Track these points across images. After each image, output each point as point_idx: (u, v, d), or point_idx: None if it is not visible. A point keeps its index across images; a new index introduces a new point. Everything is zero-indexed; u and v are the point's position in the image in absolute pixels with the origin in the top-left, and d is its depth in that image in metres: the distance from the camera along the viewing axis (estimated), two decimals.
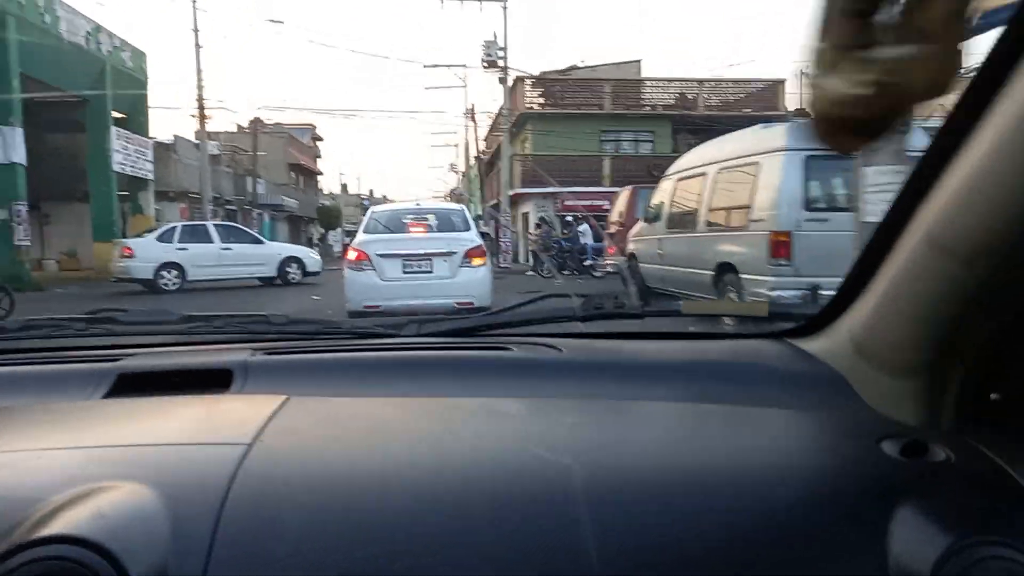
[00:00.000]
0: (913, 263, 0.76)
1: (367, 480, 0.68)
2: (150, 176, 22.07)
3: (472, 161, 35.64)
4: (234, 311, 1.30)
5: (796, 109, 8.22)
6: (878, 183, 4.54)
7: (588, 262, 17.77)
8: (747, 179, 7.27)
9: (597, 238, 18.05)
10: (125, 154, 20.41)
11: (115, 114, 20.38)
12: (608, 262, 15.61)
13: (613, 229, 14.90)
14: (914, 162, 0.75)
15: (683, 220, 8.78)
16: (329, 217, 49.99)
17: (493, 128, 33.06)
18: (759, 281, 6.85)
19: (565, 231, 20.51)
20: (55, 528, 0.54)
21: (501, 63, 24.56)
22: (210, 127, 25.33)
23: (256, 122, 32.69)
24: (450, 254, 7.47)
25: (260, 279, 16.64)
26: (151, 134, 22.82)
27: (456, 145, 48.80)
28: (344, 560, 0.58)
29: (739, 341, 1.21)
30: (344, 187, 71.13)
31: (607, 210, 19.05)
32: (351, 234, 26.58)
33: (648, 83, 28.12)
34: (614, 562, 0.60)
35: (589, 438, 0.81)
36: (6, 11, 15.58)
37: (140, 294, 14.78)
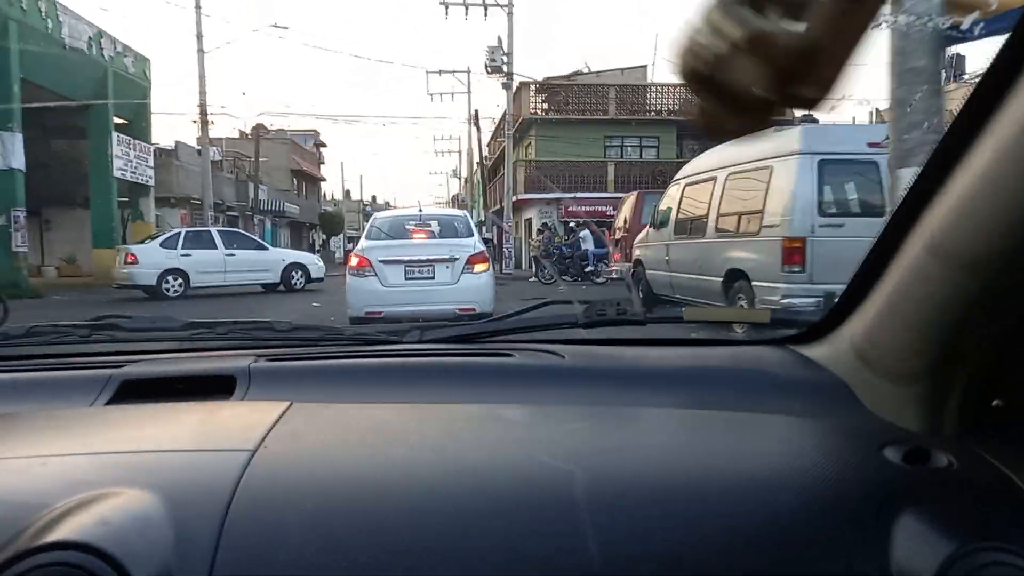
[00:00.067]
0: (916, 269, 0.76)
1: (371, 486, 0.68)
2: (151, 182, 21.94)
3: (475, 167, 35.55)
4: (230, 319, 1.29)
5: (803, 115, 8.04)
6: None
7: (589, 268, 17.59)
8: (759, 184, 7.12)
9: (598, 244, 17.89)
10: (126, 160, 20.28)
11: (117, 120, 20.27)
12: (613, 268, 15.46)
13: (618, 235, 14.76)
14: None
15: (692, 226, 8.65)
16: (331, 223, 49.98)
17: (496, 134, 32.99)
18: (771, 288, 6.70)
19: (568, 237, 20.34)
20: (60, 534, 0.55)
21: (505, 68, 24.44)
22: (212, 133, 25.19)
23: (258, 128, 32.61)
24: (452, 260, 7.44)
25: (264, 285, 16.53)
26: (153, 140, 22.70)
27: (459, 151, 48.75)
28: (348, 565, 0.58)
29: (741, 347, 1.21)
30: (347, 193, 71.19)
31: (611, 216, 18.92)
32: (353, 240, 26.40)
33: (653, 88, 27.96)
34: (617, 568, 0.60)
35: (592, 444, 0.81)
36: (7, 16, 15.49)
37: (141, 300, 14.63)
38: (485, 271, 7.60)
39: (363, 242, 7.90)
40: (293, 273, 16.86)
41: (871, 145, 6.55)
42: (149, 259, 15.17)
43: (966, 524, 0.63)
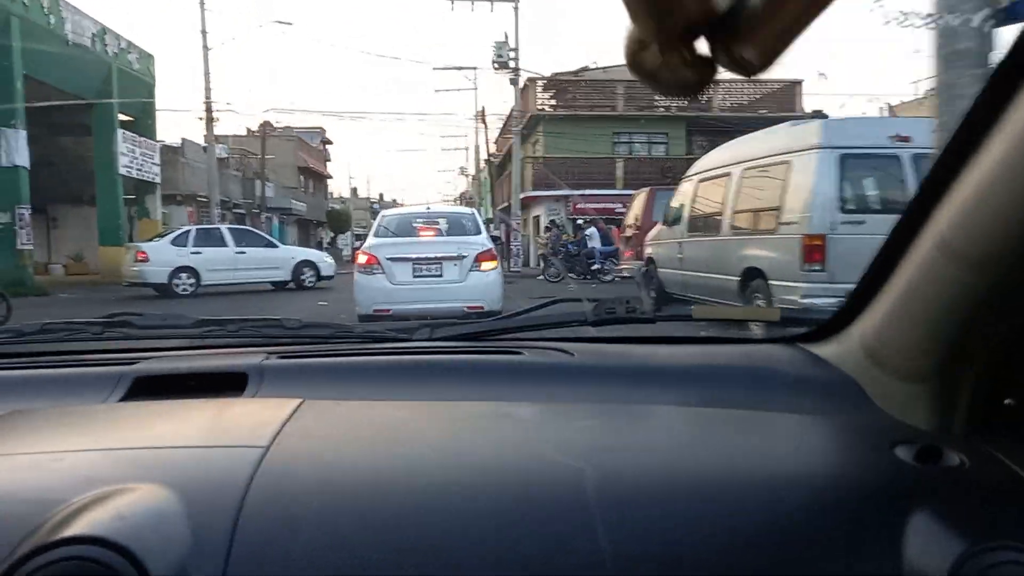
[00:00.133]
0: (926, 268, 0.77)
1: (382, 483, 0.68)
2: (157, 179, 21.85)
3: (482, 164, 35.37)
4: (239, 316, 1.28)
5: (814, 111, 7.92)
6: None
7: (596, 266, 17.32)
8: (777, 179, 6.90)
9: (605, 241, 17.63)
10: (132, 157, 20.18)
11: (122, 117, 20.18)
12: (623, 266, 15.25)
13: (629, 233, 14.55)
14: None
15: (706, 223, 8.44)
16: (339, 221, 49.94)
17: (504, 130, 32.81)
18: (790, 288, 6.49)
19: (576, 235, 20.11)
20: (76, 529, 0.55)
21: (512, 64, 24.24)
22: (218, 130, 25.10)
23: (265, 125, 32.49)
24: (460, 258, 7.39)
25: (274, 283, 16.43)
26: (159, 137, 22.60)
27: (466, 148, 48.62)
28: (360, 562, 0.59)
29: (751, 345, 1.21)
30: (354, 191, 71.13)
31: (620, 213, 18.72)
32: (361, 238, 26.36)
33: None
34: (627, 566, 0.60)
35: (602, 442, 0.81)
36: (10, 12, 15.38)
37: (148, 298, 14.50)
38: (493, 269, 7.55)
39: (371, 239, 7.87)
40: (304, 271, 16.77)
41: (893, 139, 6.34)
42: (160, 257, 15.07)
43: (978, 523, 0.62)
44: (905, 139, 6.31)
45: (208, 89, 22.94)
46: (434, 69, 28.84)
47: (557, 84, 27.91)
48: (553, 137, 26.87)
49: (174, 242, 15.54)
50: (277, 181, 35.89)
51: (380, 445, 0.77)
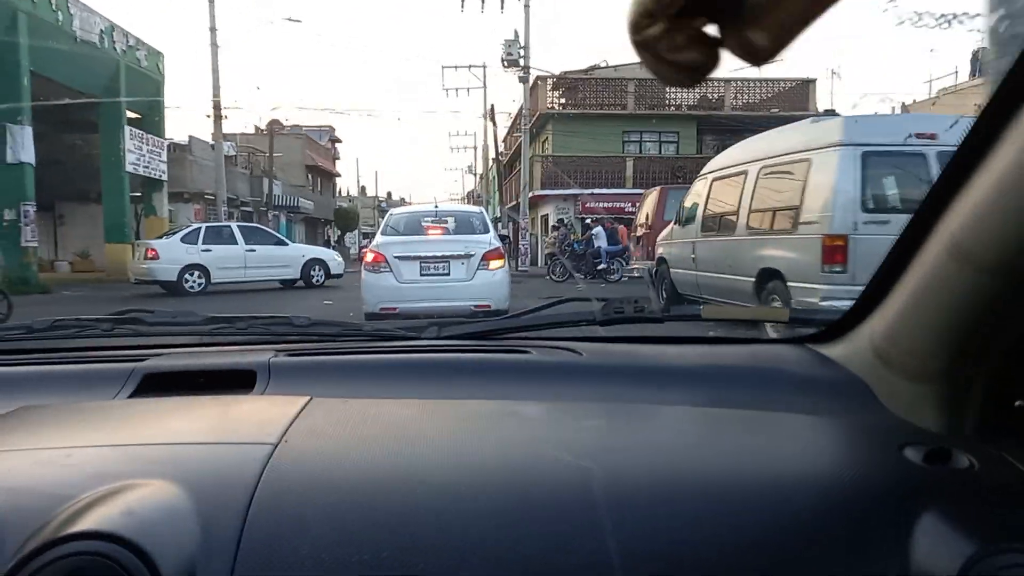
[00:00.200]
0: (936, 269, 0.77)
1: (391, 481, 0.68)
2: (164, 177, 21.76)
3: (491, 163, 35.19)
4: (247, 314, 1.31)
5: (826, 110, 7.72)
6: None
7: (602, 266, 17.08)
8: (796, 178, 6.68)
9: (612, 241, 17.41)
10: (139, 154, 20.09)
11: (130, 114, 20.10)
12: (634, 266, 15.03)
13: (640, 232, 14.33)
14: None
15: (721, 223, 8.22)
16: (346, 219, 49.83)
17: (512, 129, 32.61)
18: (809, 290, 6.27)
19: (584, 234, 19.88)
20: (87, 524, 0.55)
21: (522, 62, 24.03)
22: (226, 128, 25.03)
23: (273, 123, 32.40)
24: (468, 256, 7.34)
25: (283, 281, 16.32)
26: (167, 134, 22.49)
27: (474, 147, 48.45)
28: (368, 559, 0.59)
29: (760, 346, 1.21)
30: (362, 189, 71.14)
31: (629, 212, 18.51)
32: (368, 236, 26.17)
33: None
34: (635, 566, 0.60)
35: (610, 442, 0.81)
36: (17, 7, 15.29)
37: (156, 296, 14.34)
38: (501, 268, 7.49)
39: (379, 238, 7.84)
40: (313, 269, 16.65)
41: (919, 136, 6.10)
42: (170, 255, 14.93)
43: (987, 525, 0.62)
44: (931, 136, 6.08)
45: (216, 86, 22.81)
46: (443, 67, 28.57)
47: (567, 82, 27.66)
48: (562, 136, 26.66)
49: (184, 240, 15.39)
50: (285, 179, 35.79)
51: (388, 443, 0.76)
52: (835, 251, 6.06)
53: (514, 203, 28.00)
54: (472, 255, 7.35)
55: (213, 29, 22.46)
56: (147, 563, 0.53)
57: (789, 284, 6.58)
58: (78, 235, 23.84)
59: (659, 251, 10.41)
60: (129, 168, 19.55)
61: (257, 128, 35.42)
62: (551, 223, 24.64)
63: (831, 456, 0.80)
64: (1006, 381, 0.79)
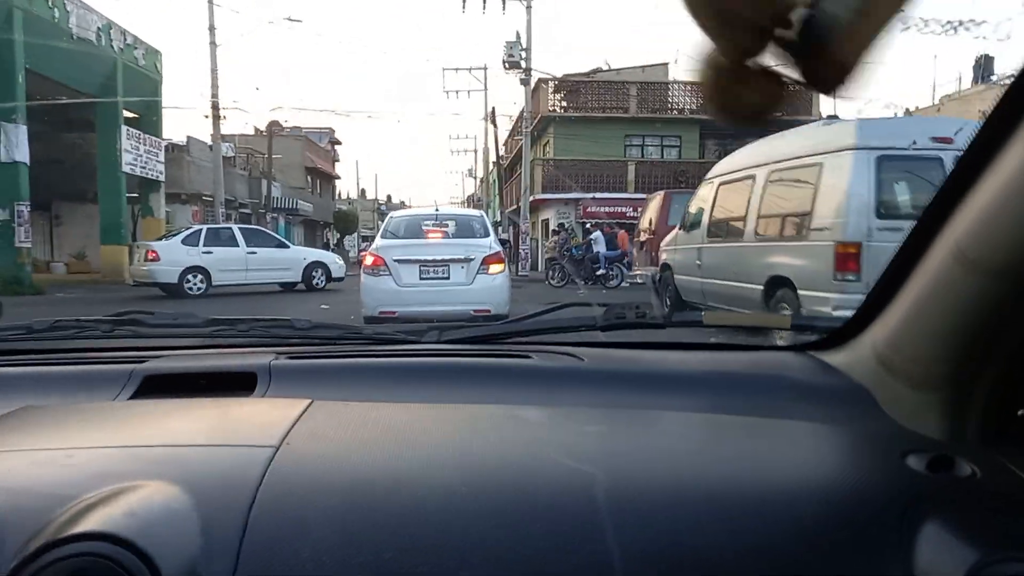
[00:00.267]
0: (941, 274, 0.77)
1: (392, 484, 0.67)
2: (161, 178, 21.52)
3: (491, 166, 34.99)
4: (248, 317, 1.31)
5: (829, 116, 7.53)
6: None
7: (600, 271, 16.87)
8: (807, 182, 6.47)
9: (611, 246, 17.21)
10: (136, 155, 19.85)
11: (127, 114, 19.86)
12: (636, 272, 14.81)
13: (643, 238, 14.13)
14: None
15: (728, 228, 8.01)
16: (346, 222, 49.65)
17: (513, 132, 32.44)
18: (821, 298, 6.05)
19: (584, 239, 19.69)
20: (88, 525, 0.55)
21: (523, 64, 23.85)
22: (225, 129, 24.82)
23: (272, 124, 32.18)
24: (467, 260, 7.28)
25: (284, 284, 16.17)
26: (164, 134, 22.27)
27: (475, 150, 48.30)
28: (369, 562, 0.59)
29: (762, 353, 1.22)
30: (362, 192, 70.95)
31: (631, 217, 18.31)
32: (367, 239, 26.00)
33: (675, 86, 27.24)
34: (637, 570, 0.60)
35: (612, 447, 0.81)
36: (13, 5, 15.09)
37: (153, 298, 14.11)
38: (501, 272, 7.43)
39: (378, 241, 7.78)
40: (314, 272, 16.53)
41: (937, 140, 5.89)
42: (171, 256, 14.76)
43: (990, 533, 0.62)
44: (947, 140, 5.87)
45: (215, 86, 22.62)
46: (444, 69, 28.42)
47: (569, 85, 27.47)
48: (564, 139, 26.47)
49: (185, 242, 15.23)
50: (284, 181, 35.57)
51: (389, 446, 0.76)
52: (848, 259, 5.85)
53: (515, 207, 27.81)
54: (472, 259, 7.26)
55: (212, 28, 22.29)
56: (148, 564, 0.53)
57: (800, 292, 6.37)
58: (75, 235, 23.63)
59: (663, 257, 10.21)
60: (126, 168, 19.31)
61: (256, 129, 35.16)
62: (552, 227, 24.45)
63: (833, 463, 0.80)
64: (1009, 389, 0.79)
